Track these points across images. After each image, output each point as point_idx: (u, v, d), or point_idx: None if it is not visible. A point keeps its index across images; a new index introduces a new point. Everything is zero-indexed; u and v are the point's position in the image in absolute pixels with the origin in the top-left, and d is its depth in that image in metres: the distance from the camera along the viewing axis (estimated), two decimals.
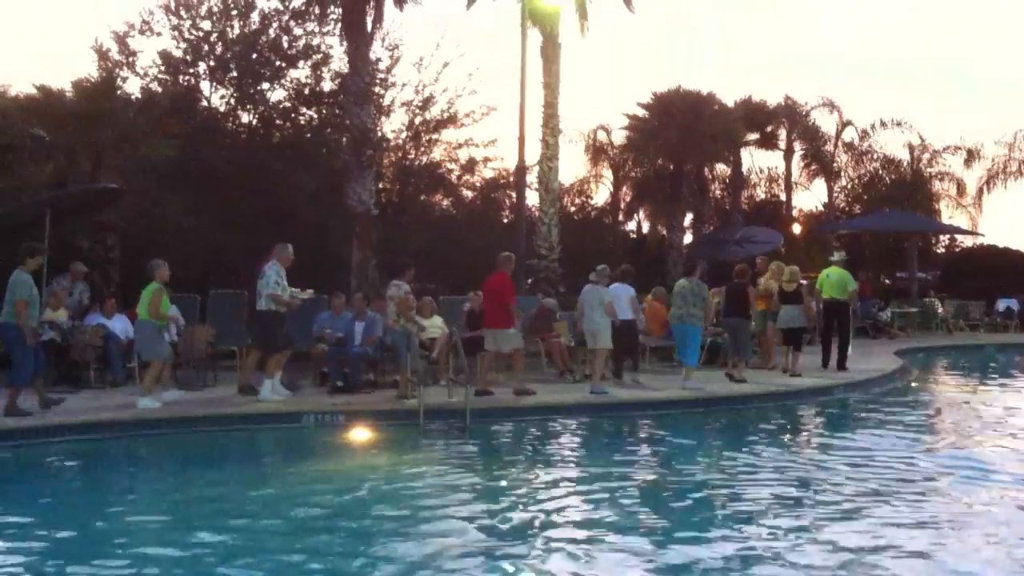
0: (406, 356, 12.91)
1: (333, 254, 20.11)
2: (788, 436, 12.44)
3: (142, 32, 23.03)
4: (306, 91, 24.08)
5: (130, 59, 23.08)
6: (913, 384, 17.24)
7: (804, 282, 16.90)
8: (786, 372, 15.83)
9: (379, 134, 23.28)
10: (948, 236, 37.15)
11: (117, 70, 22.77)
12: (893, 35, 62.98)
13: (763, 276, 16.91)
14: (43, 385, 11.77)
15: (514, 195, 25.27)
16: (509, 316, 13.43)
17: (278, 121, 24.21)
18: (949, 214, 35.08)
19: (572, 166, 45.93)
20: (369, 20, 20.01)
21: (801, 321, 16.16)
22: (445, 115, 25.95)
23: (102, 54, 22.87)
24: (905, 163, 35.31)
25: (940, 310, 28.52)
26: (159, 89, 22.53)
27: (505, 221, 27.73)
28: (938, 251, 38.08)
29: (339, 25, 21.36)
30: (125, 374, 14.26)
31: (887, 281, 35.19)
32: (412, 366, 12.81)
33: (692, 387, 14.03)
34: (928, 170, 35.14)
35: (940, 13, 63.32)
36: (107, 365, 14.14)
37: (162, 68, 23.15)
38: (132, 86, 22.60)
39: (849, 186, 36.80)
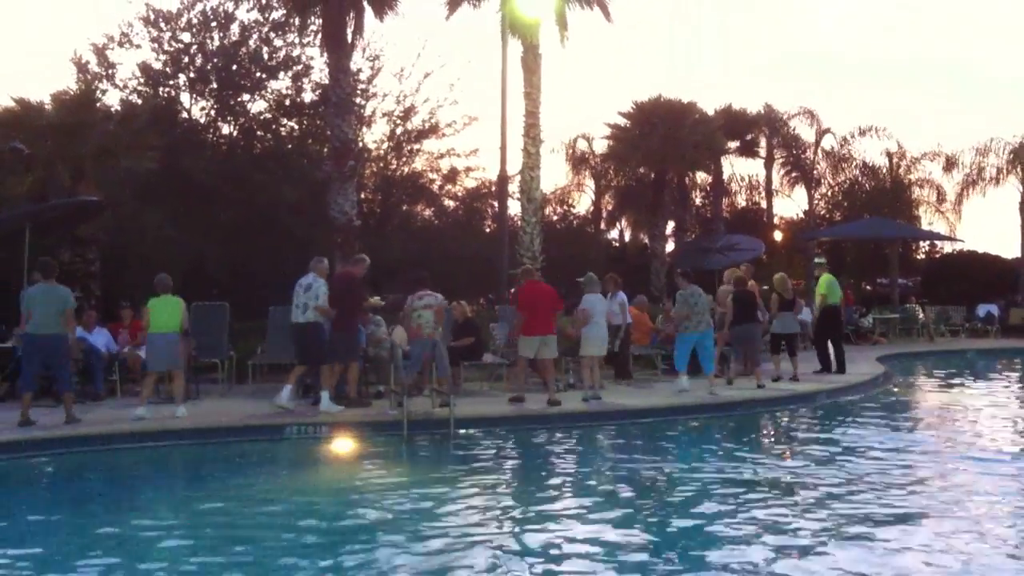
0: (414, 360, 12.96)
1: None
2: (777, 441, 12.49)
3: (121, 44, 22.99)
4: (287, 102, 24.07)
5: (110, 71, 23.03)
6: (896, 389, 17.32)
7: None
8: (777, 379, 15.88)
9: (360, 145, 23.28)
10: (928, 242, 37.37)
11: (97, 82, 22.71)
12: (886, 35, 63.49)
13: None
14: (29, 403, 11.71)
15: (496, 204, 25.31)
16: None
17: (259, 132, 24.18)
18: (929, 220, 35.33)
19: (554, 175, 46.07)
20: (349, 31, 20.00)
21: (795, 327, 16.42)
22: (427, 125, 26.01)
23: (81, 66, 22.80)
24: (884, 170, 35.57)
25: (921, 316, 28.65)
26: (139, 101, 22.46)
27: (488, 230, 27.77)
28: (918, 257, 38.30)
29: (319, 36, 21.34)
30: (107, 388, 14.16)
31: (868, 287, 35.36)
32: (396, 377, 12.79)
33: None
34: (908, 177, 35.40)
35: (937, 13, 63.95)
36: (89, 379, 14.03)
37: (142, 80, 23.10)
38: (112, 98, 22.56)
39: (829, 193, 37.02)
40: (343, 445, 11.51)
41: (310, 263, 13.23)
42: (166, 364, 12.48)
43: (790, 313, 16.27)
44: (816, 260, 18.30)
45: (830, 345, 17.48)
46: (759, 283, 17.06)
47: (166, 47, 23.02)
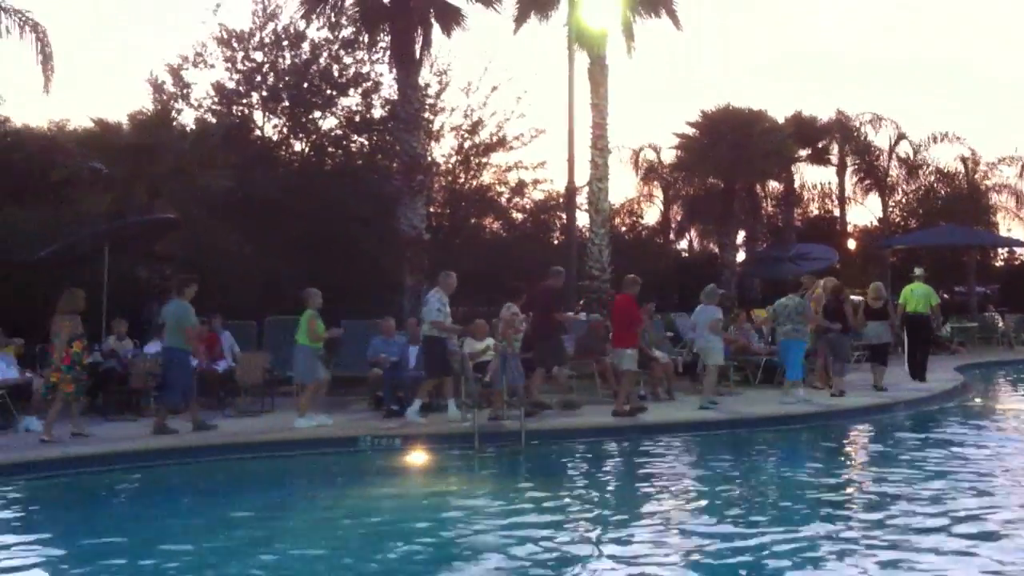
0: (503, 375, 13.09)
1: (385, 279, 20.25)
2: (855, 452, 12.31)
3: (196, 64, 23.49)
4: (357, 118, 24.34)
5: (184, 91, 23.53)
6: (977, 399, 16.98)
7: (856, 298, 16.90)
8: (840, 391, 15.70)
9: (429, 159, 23.44)
10: (1007, 249, 36.47)
11: (172, 102, 23.22)
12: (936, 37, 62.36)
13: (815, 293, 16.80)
14: (197, 409, 12.54)
15: (564, 217, 25.28)
16: (632, 336, 13.69)
17: (330, 149, 24.49)
18: (1008, 226, 34.50)
19: (622, 186, 45.91)
20: (417, 47, 20.18)
21: (887, 336, 16.43)
22: (494, 138, 26.11)
23: (157, 87, 23.35)
24: (960, 175, 34.78)
25: (1001, 324, 27.96)
26: (213, 120, 22.90)
27: (556, 243, 27.74)
28: (997, 264, 37.38)
29: (388, 53, 21.57)
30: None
31: (945, 296, 34.57)
32: (467, 389, 12.86)
33: (792, 401, 14.35)
34: (984, 182, 34.59)
35: (943, 13, 62.85)
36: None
37: (216, 99, 23.56)
38: (187, 118, 23.07)
39: (904, 200, 36.28)
40: (416, 457, 11.57)
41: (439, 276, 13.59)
42: (300, 376, 13.16)
43: (884, 323, 16.29)
44: (915, 271, 18.35)
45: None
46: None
47: (239, 66, 23.45)
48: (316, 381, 13.07)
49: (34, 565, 7.05)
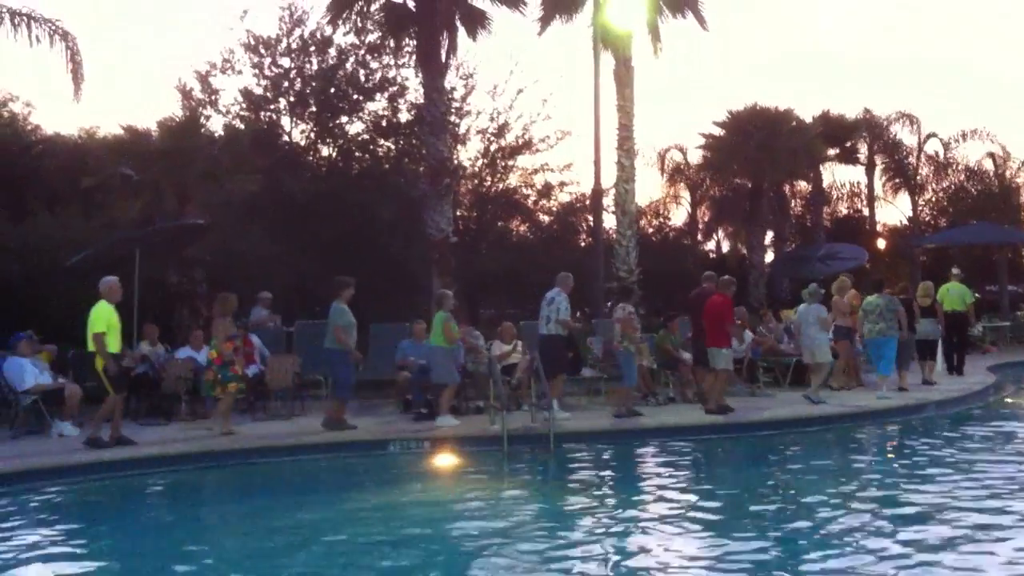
0: (632, 373, 13.59)
1: (413, 281, 20.32)
2: (888, 452, 12.22)
3: (224, 71, 23.62)
4: (383, 123, 24.42)
5: (213, 97, 23.67)
6: (1009, 399, 16.84)
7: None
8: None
9: (455, 162, 23.48)
10: None
11: (200, 108, 23.36)
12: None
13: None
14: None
15: (591, 218, 25.25)
16: (726, 336, 13.80)
17: (357, 153, 24.58)
18: None
19: (649, 187, 45.80)
20: (443, 51, 20.23)
21: (937, 334, 17.13)
22: (520, 141, 26.12)
23: (186, 93, 23.50)
24: (991, 174, 34.45)
25: None
26: (241, 126, 23.04)
27: (583, 244, 27.72)
28: None
29: (414, 57, 21.65)
30: (215, 405, 14.46)
31: (977, 295, 34.21)
32: (495, 392, 12.86)
33: (886, 396, 14.70)
34: (1015, 180, 34.24)
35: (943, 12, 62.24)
36: (197, 397, 14.36)
37: (244, 105, 23.69)
38: (215, 124, 23.20)
39: (934, 199, 35.97)
40: (444, 460, 11.59)
41: (557, 277, 13.80)
42: (438, 377, 13.17)
43: (933, 320, 16.93)
44: (954, 270, 18.89)
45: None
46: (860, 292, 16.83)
47: (266, 72, 23.58)
48: (453, 383, 13.20)
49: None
